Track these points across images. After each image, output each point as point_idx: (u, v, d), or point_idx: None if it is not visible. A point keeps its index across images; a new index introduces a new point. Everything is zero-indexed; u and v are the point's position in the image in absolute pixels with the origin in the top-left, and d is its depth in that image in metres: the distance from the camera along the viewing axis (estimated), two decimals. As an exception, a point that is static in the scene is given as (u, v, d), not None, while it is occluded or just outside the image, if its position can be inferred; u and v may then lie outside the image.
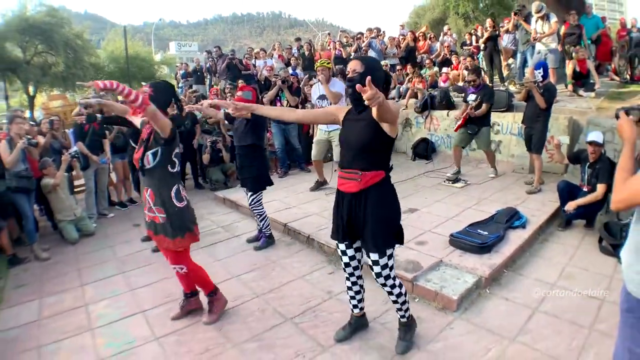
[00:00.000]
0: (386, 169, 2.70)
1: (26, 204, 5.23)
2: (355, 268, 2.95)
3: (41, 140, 6.00)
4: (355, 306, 3.13)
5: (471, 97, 6.73)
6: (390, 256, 2.73)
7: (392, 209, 2.74)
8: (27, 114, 23.56)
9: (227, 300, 3.60)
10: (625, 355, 1.76)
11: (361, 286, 3.03)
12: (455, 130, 6.99)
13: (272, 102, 8.16)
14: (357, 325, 3.19)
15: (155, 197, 3.13)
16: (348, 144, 2.69)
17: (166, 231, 3.14)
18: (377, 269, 2.69)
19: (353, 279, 2.98)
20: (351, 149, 2.66)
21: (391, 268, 2.75)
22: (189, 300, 3.56)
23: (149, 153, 3.07)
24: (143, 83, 29.90)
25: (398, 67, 10.98)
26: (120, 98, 3.19)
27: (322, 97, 6.44)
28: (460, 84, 9.70)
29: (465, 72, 9.21)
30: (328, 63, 6.71)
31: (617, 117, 2.06)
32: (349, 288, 3.03)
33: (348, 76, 2.63)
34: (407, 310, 2.94)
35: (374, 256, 2.67)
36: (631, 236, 1.78)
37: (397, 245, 2.80)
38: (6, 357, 3.25)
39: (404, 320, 2.97)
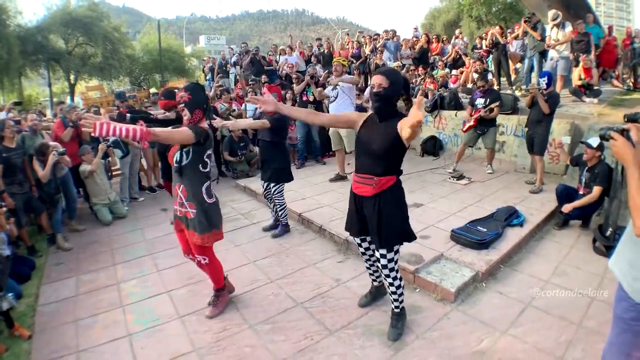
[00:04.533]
0: (398, 173, 2.78)
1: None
2: (371, 255, 3.17)
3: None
4: (373, 280, 3.43)
5: (479, 101, 6.77)
6: (397, 252, 2.86)
7: (401, 211, 2.83)
8: (68, 99, 24.03)
9: (235, 289, 3.71)
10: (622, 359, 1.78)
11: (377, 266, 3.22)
12: (465, 131, 6.99)
13: (299, 95, 8.31)
14: (376, 293, 3.48)
15: (188, 193, 3.11)
16: (367, 150, 2.74)
17: (195, 227, 3.13)
18: (383, 261, 2.82)
19: (369, 262, 3.27)
20: (370, 155, 2.73)
21: (396, 262, 2.87)
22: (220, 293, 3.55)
23: (183, 151, 3.05)
24: (170, 78, 30.10)
25: (411, 68, 10.90)
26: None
27: (334, 87, 6.57)
28: (470, 85, 9.62)
29: (475, 75, 9.15)
30: (344, 61, 6.81)
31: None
32: (367, 268, 3.35)
33: (374, 90, 2.69)
34: (402, 301, 3.03)
35: (383, 251, 2.80)
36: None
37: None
38: (47, 328, 3.38)
39: (397, 310, 3.06)
